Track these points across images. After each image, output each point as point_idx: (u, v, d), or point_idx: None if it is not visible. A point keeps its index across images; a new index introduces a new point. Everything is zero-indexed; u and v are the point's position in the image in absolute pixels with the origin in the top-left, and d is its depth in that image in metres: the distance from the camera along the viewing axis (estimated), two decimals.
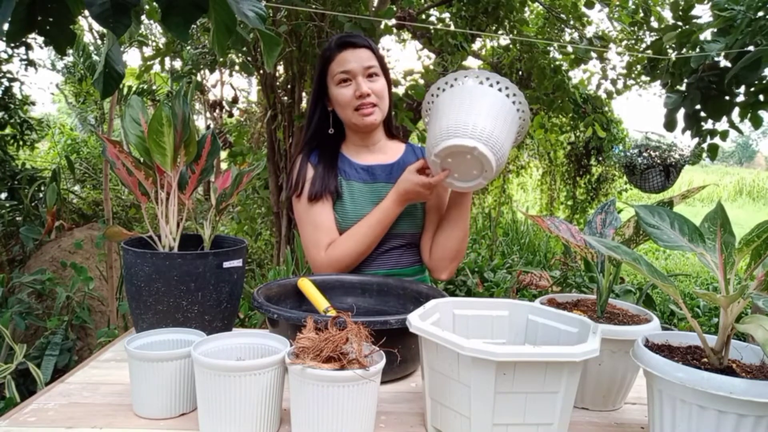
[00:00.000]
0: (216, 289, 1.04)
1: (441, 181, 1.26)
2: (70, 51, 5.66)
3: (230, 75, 3.94)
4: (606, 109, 5.69)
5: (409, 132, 3.22)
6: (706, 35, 2.60)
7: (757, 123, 2.58)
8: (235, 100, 4.45)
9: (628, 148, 5.09)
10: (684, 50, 2.61)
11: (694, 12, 2.75)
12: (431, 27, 3.59)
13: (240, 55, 3.14)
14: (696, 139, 2.82)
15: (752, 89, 2.49)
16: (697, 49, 2.47)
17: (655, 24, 3.87)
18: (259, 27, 1.05)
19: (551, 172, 7.44)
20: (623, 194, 6.70)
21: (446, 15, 4.29)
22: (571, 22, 4.15)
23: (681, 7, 2.76)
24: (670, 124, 2.78)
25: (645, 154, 4.35)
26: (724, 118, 2.67)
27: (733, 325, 0.72)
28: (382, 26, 2.81)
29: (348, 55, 1.37)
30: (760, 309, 0.66)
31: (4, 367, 1.78)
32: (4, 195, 3.83)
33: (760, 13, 2.25)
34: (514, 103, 1.23)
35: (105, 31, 1.03)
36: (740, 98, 2.58)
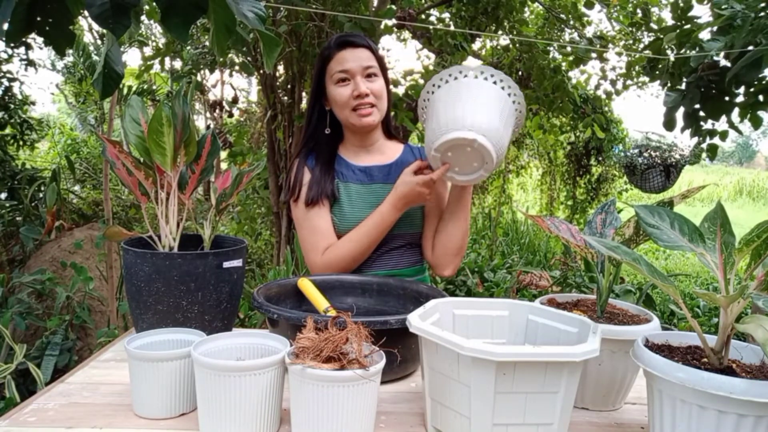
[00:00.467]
0: (216, 289, 1.04)
1: (441, 176, 1.25)
2: (70, 51, 5.66)
3: (230, 75, 3.95)
4: (606, 109, 5.69)
5: (409, 132, 3.22)
6: (706, 34, 2.60)
7: (756, 123, 2.58)
8: (235, 100, 4.45)
9: (628, 148, 5.10)
10: (683, 50, 2.61)
11: (693, 12, 2.75)
12: (431, 27, 3.59)
13: (240, 55, 3.14)
14: (695, 139, 2.82)
15: (752, 90, 2.49)
16: (697, 49, 2.47)
17: (654, 25, 3.87)
18: (259, 28, 1.05)
19: (551, 172, 7.44)
20: (623, 194, 6.71)
21: (446, 15, 4.29)
22: (571, 23, 4.15)
23: (681, 7, 2.76)
24: (669, 123, 2.78)
25: (645, 154, 4.35)
26: (724, 118, 2.67)
27: (733, 325, 0.72)
28: (382, 26, 2.81)
29: (347, 55, 1.37)
30: (760, 309, 0.66)
31: (4, 367, 1.78)
32: (4, 195, 3.83)
33: (761, 14, 2.25)
34: (509, 95, 1.24)
35: (105, 31, 1.03)
36: (740, 98, 2.58)
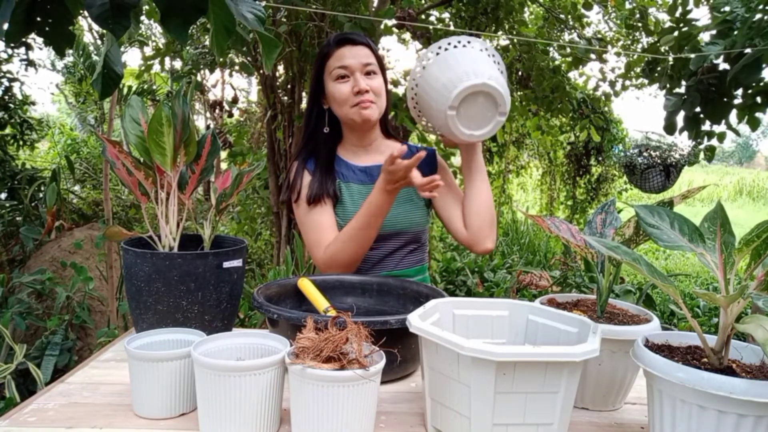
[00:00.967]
0: (216, 289, 1.04)
1: (416, 161, 1.21)
2: (70, 51, 5.66)
3: (230, 75, 3.95)
4: (605, 109, 5.69)
5: (409, 132, 3.22)
6: (705, 37, 2.61)
7: (754, 125, 2.58)
8: (235, 100, 4.46)
9: (628, 148, 5.10)
10: (683, 53, 2.61)
11: (692, 15, 2.75)
12: (431, 27, 3.59)
13: (240, 55, 3.14)
14: (692, 142, 2.82)
15: (750, 91, 2.50)
16: (694, 55, 2.47)
17: (651, 27, 3.87)
18: (258, 29, 1.05)
19: (551, 172, 7.44)
20: (623, 194, 6.71)
21: (446, 15, 4.29)
22: (571, 23, 4.15)
23: (679, 10, 2.76)
24: (669, 127, 2.78)
25: (645, 154, 4.35)
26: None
27: (733, 325, 0.72)
28: (381, 26, 2.81)
29: (346, 51, 1.36)
30: (760, 309, 0.66)
31: (4, 367, 1.78)
32: (4, 195, 3.83)
33: (758, 15, 2.25)
34: (490, 56, 1.31)
35: (104, 31, 1.03)
36: (738, 100, 2.58)
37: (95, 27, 4.16)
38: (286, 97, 3.31)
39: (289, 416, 0.79)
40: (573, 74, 4.51)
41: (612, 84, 4.27)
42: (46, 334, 2.51)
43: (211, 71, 3.65)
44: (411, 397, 0.96)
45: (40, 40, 1.15)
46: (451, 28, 3.88)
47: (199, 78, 3.72)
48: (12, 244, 3.56)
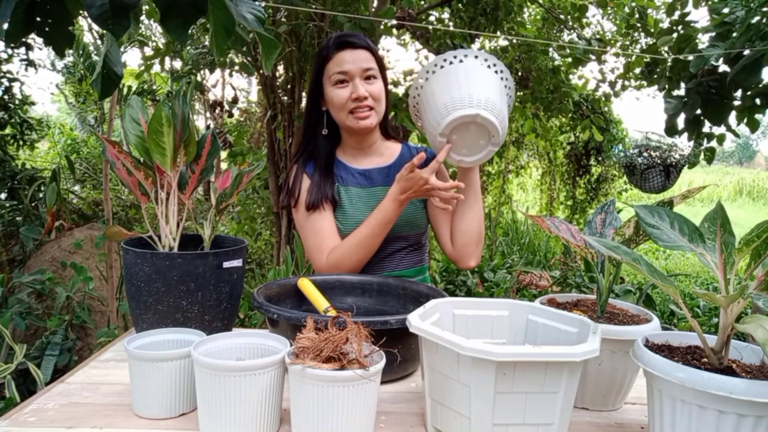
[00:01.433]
0: (216, 289, 1.04)
1: (444, 158, 1.23)
2: (70, 51, 5.66)
3: (230, 75, 3.95)
4: (605, 109, 5.69)
5: (409, 132, 3.22)
6: (704, 39, 2.61)
7: (753, 127, 2.58)
8: (235, 100, 4.46)
9: (628, 148, 5.10)
10: (682, 55, 2.61)
11: (691, 17, 2.75)
12: (430, 27, 3.59)
13: (240, 55, 3.14)
14: (692, 143, 2.83)
15: (749, 93, 2.50)
16: (693, 57, 2.47)
17: (650, 28, 3.87)
18: (258, 29, 1.05)
19: (551, 172, 7.44)
20: (623, 194, 6.71)
21: (446, 15, 4.29)
22: (570, 23, 4.15)
23: (678, 12, 2.76)
24: (670, 130, 2.78)
25: (645, 154, 4.35)
26: None
27: (733, 325, 0.72)
28: (381, 26, 2.81)
29: (346, 56, 1.35)
30: (760, 309, 0.66)
31: (4, 367, 1.78)
32: (4, 195, 3.83)
33: (757, 17, 2.25)
34: (496, 72, 1.27)
35: (104, 31, 1.03)
36: (737, 102, 2.58)
37: (95, 27, 4.16)
38: (286, 97, 3.31)
39: (289, 416, 0.79)
40: (572, 76, 4.51)
41: (612, 84, 4.27)
42: (46, 334, 2.51)
43: (211, 71, 3.65)
44: (411, 397, 0.96)
45: (40, 40, 1.15)
46: (451, 28, 3.87)
47: (199, 78, 3.72)
48: (12, 244, 3.56)
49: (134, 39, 3.85)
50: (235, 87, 4.58)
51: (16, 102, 4.17)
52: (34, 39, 3.71)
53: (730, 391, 0.65)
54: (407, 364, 1.01)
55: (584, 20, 4.19)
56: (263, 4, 2.34)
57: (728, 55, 2.36)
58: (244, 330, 0.99)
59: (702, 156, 2.95)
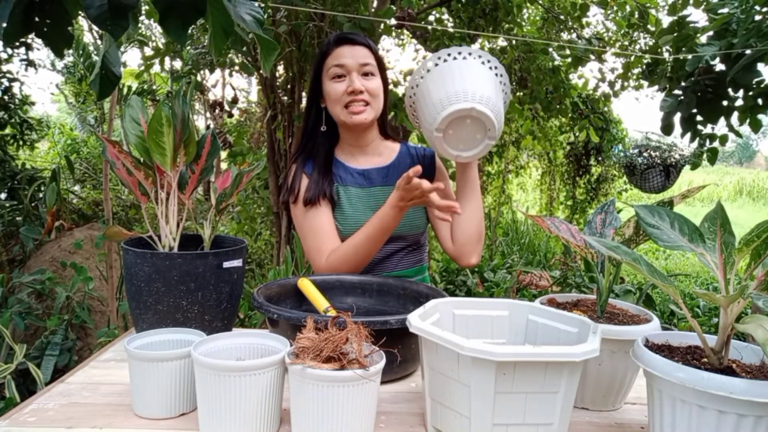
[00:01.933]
0: (216, 289, 1.04)
1: (433, 189, 1.21)
2: (70, 51, 5.66)
3: (230, 75, 3.95)
4: (605, 109, 5.69)
5: (409, 132, 3.22)
6: (702, 39, 2.61)
7: (756, 127, 2.58)
8: (234, 101, 4.45)
9: (628, 148, 5.10)
10: (681, 54, 2.61)
11: (692, 17, 2.75)
12: (430, 27, 3.59)
13: (239, 55, 3.14)
14: (695, 143, 2.82)
15: (750, 93, 2.50)
16: (691, 56, 2.47)
17: (651, 26, 3.87)
18: (256, 31, 1.05)
19: (551, 172, 7.44)
20: (623, 194, 6.71)
21: (445, 15, 4.29)
22: (569, 23, 4.15)
23: (678, 10, 2.76)
24: (667, 128, 2.79)
25: (645, 154, 4.35)
26: (723, 121, 2.67)
27: (733, 325, 0.72)
28: (381, 27, 2.80)
29: (345, 51, 1.36)
30: (760, 309, 0.66)
31: (4, 367, 1.78)
32: (4, 195, 3.83)
33: (756, 17, 2.25)
34: (491, 68, 1.28)
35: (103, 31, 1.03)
36: (739, 102, 2.58)
37: (95, 27, 4.16)
38: (286, 97, 3.31)
39: (289, 416, 0.79)
40: (573, 76, 4.51)
41: (611, 84, 4.27)
42: (46, 334, 2.51)
43: (211, 71, 3.65)
44: (411, 397, 0.96)
45: (40, 40, 1.14)
46: (450, 28, 3.87)
47: (198, 78, 3.72)
48: (12, 244, 3.56)
49: (134, 39, 3.85)
50: (234, 87, 4.58)
51: (16, 102, 4.17)
52: (34, 39, 3.72)
53: (730, 391, 0.65)
54: (407, 364, 1.01)
55: (584, 20, 4.19)
56: (262, 4, 2.34)
57: (726, 54, 2.36)
58: (244, 330, 0.99)
59: (704, 156, 2.95)
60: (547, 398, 0.73)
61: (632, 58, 3.66)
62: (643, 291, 2.57)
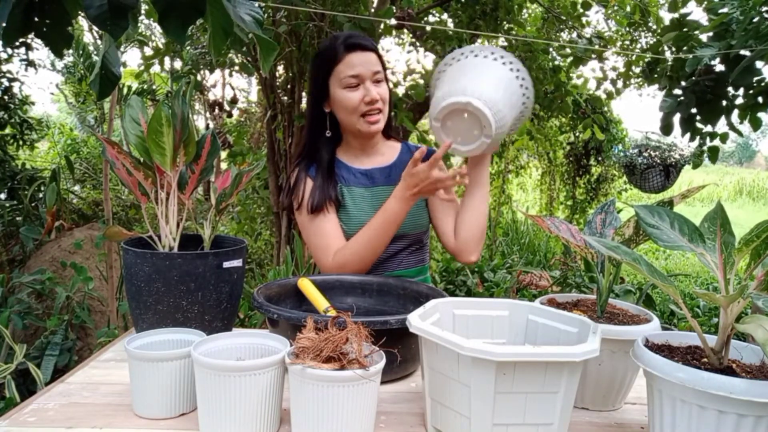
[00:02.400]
0: (216, 289, 1.04)
1: (444, 152, 1.25)
2: (70, 51, 5.66)
3: (230, 75, 3.95)
4: (605, 109, 5.69)
5: (409, 132, 3.22)
6: (703, 38, 2.61)
7: (756, 125, 2.58)
8: (234, 101, 4.45)
9: (627, 148, 5.10)
10: (681, 53, 2.61)
11: (692, 16, 2.75)
12: (430, 27, 3.59)
13: (239, 55, 3.14)
14: (695, 143, 2.82)
15: (751, 91, 2.50)
16: (691, 55, 2.47)
17: (652, 23, 3.87)
18: (256, 31, 1.05)
19: (551, 172, 7.43)
20: (623, 194, 6.70)
21: (445, 15, 4.29)
22: (570, 23, 4.15)
23: (678, 9, 2.76)
24: (666, 128, 2.79)
25: (645, 154, 4.36)
26: (723, 120, 2.67)
27: (733, 325, 0.72)
28: (381, 26, 2.81)
29: (357, 58, 1.32)
30: (760, 309, 0.66)
31: (4, 367, 1.78)
32: (4, 195, 3.83)
33: (756, 18, 2.25)
34: (518, 78, 1.27)
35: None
36: (739, 100, 2.58)
37: (95, 27, 4.16)
38: (286, 97, 3.30)
39: (289, 416, 0.79)
40: (572, 75, 4.51)
41: (613, 82, 4.27)
42: (46, 334, 2.51)
43: (211, 71, 3.65)
44: (411, 397, 0.96)
45: (39, 40, 1.14)
46: (450, 26, 3.87)
47: (198, 78, 3.72)
48: (12, 244, 3.56)
49: (133, 39, 3.85)
50: (234, 87, 4.58)
51: (16, 102, 4.17)
52: (34, 39, 3.72)
53: (730, 391, 0.65)
54: (407, 364, 1.01)
55: (584, 19, 4.19)
56: (262, 4, 2.34)
57: (725, 55, 2.36)
58: (244, 330, 0.99)
59: (705, 155, 2.94)
60: (547, 398, 0.73)
61: (633, 57, 3.66)
62: (643, 291, 2.57)
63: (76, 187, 5.60)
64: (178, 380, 0.85)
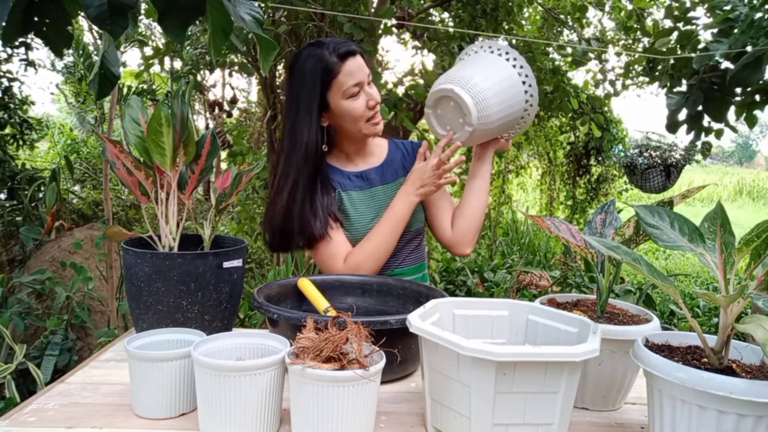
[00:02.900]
0: (216, 289, 1.04)
1: (445, 144, 1.30)
2: (70, 51, 5.66)
3: (230, 75, 3.95)
4: (605, 109, 5.69)
5: (409, 132, 3.22)
6: (707, 36, 2.61)
7: (751, 122, 2.58)
8: (234, 101, 4.45)
9: (628, 148, 5.10)
10: (683, 51, 2.61)
11: (693, 14, 2.75)
12: (430, 27, 3.59)
13: (239, 55, 3.14)
14: (690, 137, 2.82)
15: (749, 89, 2.50)
16: (698, 51, 2.47)
17: (650, 24, 3.87)
18: (256, 30, 1.05)
19: (551, 172, 7.43)
20: (623, 194, 6.70)
21: (445, 15, 4.29)
22: (570, 23, 4.15)
23: (678, 10, 2.76)
24: (672, 126, 2.77)
25: (645, 154, 4.35)
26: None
27: (733, 325, 0.72)
28: (381, 26, 2.80)
29: (353, 65, 1.30)
30: (760, 309, 0.66)
31: (4, 367, 1.78)
32: (3, 195, 3.83)
33: (759, 14, 2.25)
34: (524, 82, 1.30)
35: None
36: (738, 98, 2.58)
37: (95, 27, 4.16)
38: (285, 97, 3.30)
39: (289, 416, 0.79)
40: (573, 75, 4.51)
41: (612, 83, 4.27)
42: (46, 334, 2.51)
43: (211, 71, 3.65)
44: (411, 397, 0.96)
45: (39, 40, 1.14)
46: (450, 25, 3.87)
47: (198, 78, 3.72)
48: (12, 244, 3.56)
49: (133, 39, 3.85)
50: (234, 87, 4.58)
51: (16, 102, 4.17)
52: (34, 39, 3.72)
53: (730, 391, 0.65)
54: (407, 364, 1.01)
55: (584, 20, 4.19)
56: (262, 4, 2.33)
57: (730, 52, 2.36)
58: (244, 330, 0.99)
59: (698, 149, 2.94)
60: (547, 398, 0.73)
61: (635, 56, 3.66)
62: (643, 291, 2.57)
63: (76, 187, 5.60)
64: (178, 380, 0.85)
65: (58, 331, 2.49)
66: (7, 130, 4.16)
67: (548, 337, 0.89)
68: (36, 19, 1.08)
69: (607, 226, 0.99)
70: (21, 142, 4.28)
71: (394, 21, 2.80)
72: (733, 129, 2.73)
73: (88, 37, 5.64)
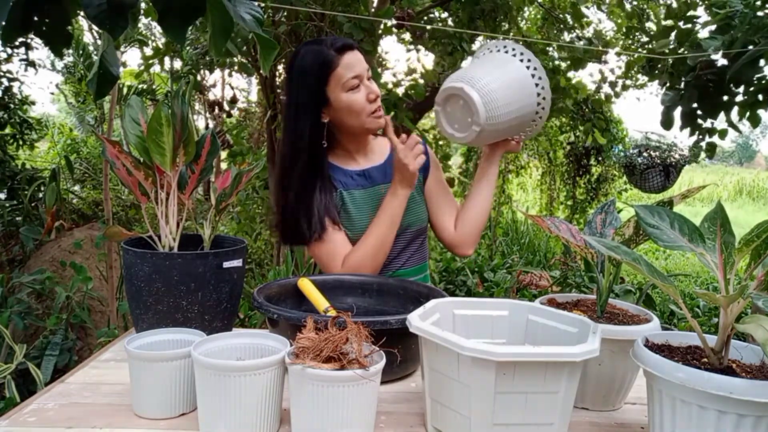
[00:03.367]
0: (216, 289, 1.04)
1: (390, 126, 1.32)
2: (70, 51, 5.66)
3: (230, 75, 3.95)
4: (605, 109, 5.69)
5: (409, 132, 3.22)
6: (704, 33, 2.61)
7: (755, 122, 2.58)
8: (234, 101, 4.45)
9: (627, 148, 5.09)
10: (682, 50, 2.61)
11: (693, 12, 2.75)
12: (430, 27, 3.59)
13: (239, 55, 3.14)
14: (694, 138, 2.82)
15: (752, 89, 2.49)
16: (695, 47, 2.47)
17: (652, 24, 3.87)
18: (256, 30, 1.05)
19: (551, 172, 7.43)
20: (623, 194, 6.71)
21: (445, 15, 4.28)
22: (570, 23, 4.15)
23: (678, 11, 2.76)
24: (667, 122, 2.78)
25: (645, 154, 4.35)
26: (722, 117, 2.67)
27: (733, 325, 0.72)
28: (381, 26, 2.81)
29: (351, 58, 1.30)
30: (760, 309, 0.66)
31: (4, 367, 1.78)
32: (3, 195, 3.83)
33: (758, 13, 2.25)
34: (537, 84, 1.28)
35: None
36: (739, 97, 2.58)
37: (95, 26, 4.16)
38: (285, 97, 3.30)
39: (289, 416, 0.79)
40: (572, 75, 4.50)
41: (613, 84, 4.26)
42: (46, 334, 2.51)
43: (211, 71, 3.65)
44: (411, 397, 0.96)
45: (39, 39, 1.14)
46: (450, 24, 3.87)
47: (198, 78, 3.72)
48: (12, 244, 3.56)
49: (133, 39, 3.85)
50: (234, 87, 4.58)
51: (16, 102, 4.17)
52: (34, 39, 3.72)
53: (730, 391, 0.65)
54: (407, 364, 1.01)
55: (584, 20, 4.19)
56: (262, 4, 2.34)
57: (730, 52, 2.36)
58: (244, 330, 0.99)
59: (703, 151, 2.93)
60: (547, 398, 0.73)
61: (635, 56, 3.66)
62: (643, 291, 2.57)
63: (76, 187, 5.60)
64: (178, 380, 0.85)
65: (57, 331, 2.49)
66: (7, 130, 4.16)
67: (548, 337, 0.89)
68: (36, 18, 1.08)
69: (607, 226, 0.99)
70: (21, 142, 4.28)
71: (394, 21, 2.80)
72: (737, 129, 2.73)
73: (88, 37, 5.65)
